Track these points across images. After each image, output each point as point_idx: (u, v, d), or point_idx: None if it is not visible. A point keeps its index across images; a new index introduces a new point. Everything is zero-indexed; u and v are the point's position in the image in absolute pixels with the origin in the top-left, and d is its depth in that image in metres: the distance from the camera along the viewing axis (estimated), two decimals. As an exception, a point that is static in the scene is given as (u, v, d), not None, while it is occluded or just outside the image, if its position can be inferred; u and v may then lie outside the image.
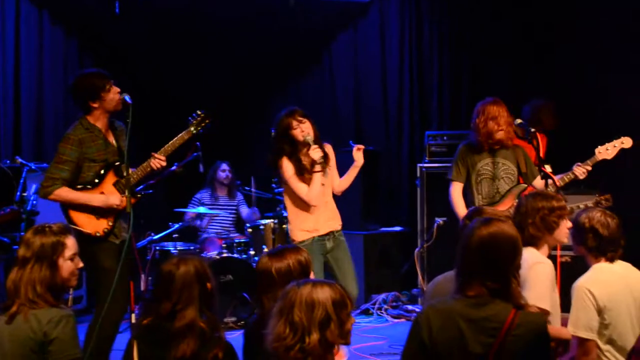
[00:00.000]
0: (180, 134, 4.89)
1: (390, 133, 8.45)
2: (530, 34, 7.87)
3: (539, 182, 5.26)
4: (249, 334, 3.36)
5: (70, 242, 3.31)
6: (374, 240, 7.61)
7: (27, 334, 3.07)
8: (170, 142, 4.85)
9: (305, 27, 8.31)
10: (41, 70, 7.36)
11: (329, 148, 5.25)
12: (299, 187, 5.09)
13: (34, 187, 5.84)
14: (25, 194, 5.33)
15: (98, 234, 4.60)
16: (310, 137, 5.03)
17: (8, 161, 5.92)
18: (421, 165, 7.43)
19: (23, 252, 3.22)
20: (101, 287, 4.51)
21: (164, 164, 4.81)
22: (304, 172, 5.10)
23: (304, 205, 5.14)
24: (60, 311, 3.14)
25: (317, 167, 5.04)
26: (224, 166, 7.67)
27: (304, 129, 5.07)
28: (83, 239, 4.42)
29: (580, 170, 5.14)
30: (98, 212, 4.62)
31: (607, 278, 3.70)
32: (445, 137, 7.47)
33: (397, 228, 7.80)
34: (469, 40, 8.28)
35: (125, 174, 4.53)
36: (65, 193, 4.54)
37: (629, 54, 6.95)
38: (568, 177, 5.17)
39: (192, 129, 4.92)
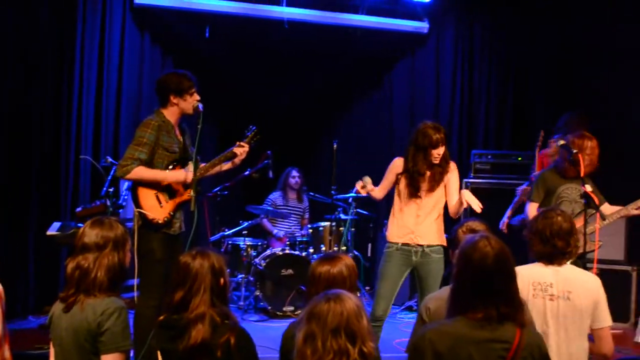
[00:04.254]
0: (236, 145, 4.57)
1: (440, 150, 7.99)
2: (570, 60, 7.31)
3: (607, 208, 4.85)
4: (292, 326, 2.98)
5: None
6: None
7: (82, 323, 2.78)
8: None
9: (369, 54, 7.99)
10: (140, 85, 7.09)
11: (452, 166, 4.73)
12: (383, 183, 4.74)
13: (126, 184, 5.63)
14: (111, 190, 5.11)
15: (159, 221, 4.29)
16: (368, 180, 4.69)
17: (103, 161, 5.72)
18: (467, 180, 7.08)
19: (94, 239, 2.84)
20: (147, 274, 4.24)
21: (247, 149, 4.53)
22: (409, 178, 4.60)
23: (397, 209, 4.72)
24: (115, 302, 2.82)
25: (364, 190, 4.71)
26: (294, 172, 7.39)
27: (440, 154, 4.54)
28: (145, 224, 4.28)
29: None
30: (162, 201, 4.35)
31: None
32: (489, 156, 7.23)
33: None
34: (514, 71, 7.89)
35: (193, 171, 4.29)
36: (142, 172, 4.24)
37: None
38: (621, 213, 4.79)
39: (246, 141, 4.59)
